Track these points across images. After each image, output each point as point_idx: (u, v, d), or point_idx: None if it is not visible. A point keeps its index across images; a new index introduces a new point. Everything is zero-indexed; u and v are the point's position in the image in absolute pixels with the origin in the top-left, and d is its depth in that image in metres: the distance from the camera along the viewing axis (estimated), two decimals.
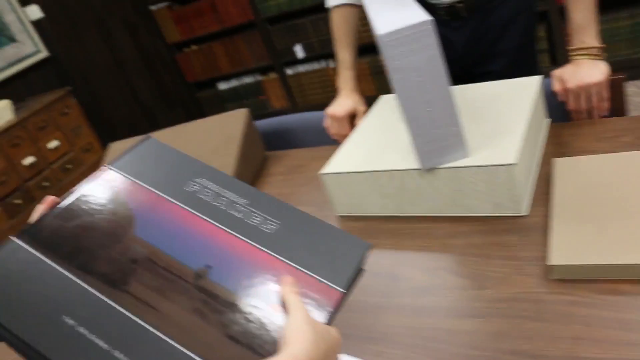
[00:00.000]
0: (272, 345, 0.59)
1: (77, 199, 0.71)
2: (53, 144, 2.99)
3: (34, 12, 3.26)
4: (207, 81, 3.79)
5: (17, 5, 3.18)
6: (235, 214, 0.71)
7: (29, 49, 3.24)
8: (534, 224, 0.99)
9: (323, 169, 1.16)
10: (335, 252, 0.69)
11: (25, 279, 0.62)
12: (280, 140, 1.69)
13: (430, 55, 0.94)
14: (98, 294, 0.61)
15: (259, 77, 3.62)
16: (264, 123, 1.77)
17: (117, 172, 0.75)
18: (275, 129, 1.74)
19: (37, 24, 3.27)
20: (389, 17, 0.98)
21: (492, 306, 0.88)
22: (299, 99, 3.52)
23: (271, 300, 0.63)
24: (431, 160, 1.02)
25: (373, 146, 1.18)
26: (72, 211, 0.70)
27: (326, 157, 1.33)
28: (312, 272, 0.66)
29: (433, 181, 1.05)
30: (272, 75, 3.55)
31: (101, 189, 0.73)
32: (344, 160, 1.17)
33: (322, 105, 1.62)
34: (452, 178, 1.03)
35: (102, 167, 0.76)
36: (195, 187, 0.74)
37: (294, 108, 3.53)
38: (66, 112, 3.07)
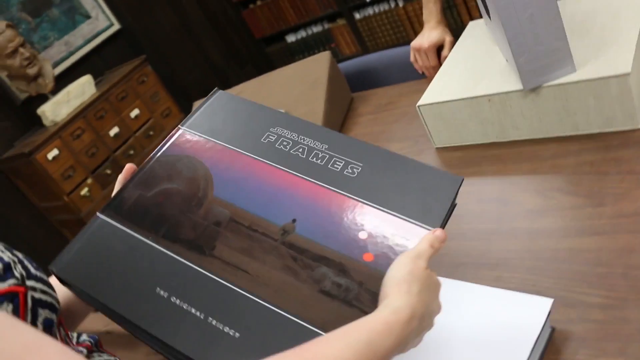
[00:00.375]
0: (370, 298, 0.56)
1: (154, 165, 0.70)
2: (134, 112, 3.09)
3: None
4: (275, 35, 3.77)
5: None
6: (316, 160, 0.68)
7: (103, 24, 3.33)
8: None
9: (420, 100, 1.13)
10: (425, 190, 0.64)
11: (116, 254, 0.63)
12: (364, 81, 1.67)
13: None
14: (187, 262, 0.61)
15: (327, 25, 3.57)
16: (345, 65, 1.75)
17: (190, 132, 0.73)
18: (358, 70, 1.71)
19: None
20: None
21: (615, 222, 0.84)
22: (369, 42, 3.45)
23: (364, 250, 0.60)
24: (535, 79, 0.97)
25: (468, 73, 1.13)
26: (151, 178, 0.69)
27: (414, 92, 1.30)
28: (404, 215, 0.62)
29: (537, 101, 1.00)
30: (341, 22, 3.48)
31: (176, 151, 0.71)
32: (440, 90, 1.13)
33: (394, 47, 1.58)
34: (557, 96, 0.98)
35: (176, 128, 0.75)
36: (271, 137, 0.71)
37: (365, 53, 3.47)
38: (143, 81, 3.15)
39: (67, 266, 0.62)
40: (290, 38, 3.73)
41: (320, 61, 1.51)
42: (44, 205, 2.98)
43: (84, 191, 2.87)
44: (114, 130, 3.00)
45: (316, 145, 0.69)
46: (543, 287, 0.81)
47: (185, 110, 3.26)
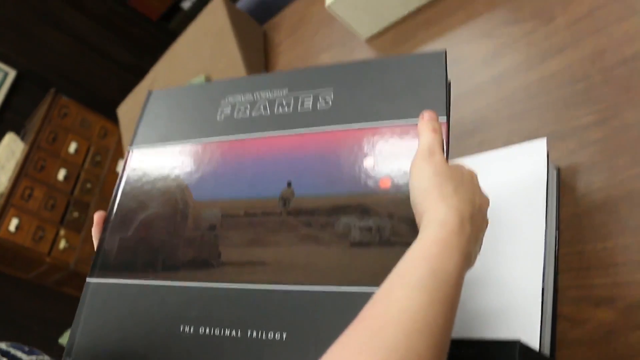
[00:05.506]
0: (407, 226, 0.47)
1: (122, 201, 0.61)
2: (72, 147, 2.93)
3: None
4: (170, 9, 3.58)
5: None
6: (282, 110, 0.59)
7: None
8: None
9: (327, 2, 1.02)
10: (412, 82, 0.54)
11: (124, 312, 0.55)
12: (269, 7, 1.54)
13: None
14: (198, 284, 0.53)
15: None
16: (241, 3, 1.63)
17: (142, 148, 0.65)
18: (255, 2, 1.58)
19: None
20: None
21: (573, 30, 0.76)
22: None
23: (377, 177, 0.51)
24: None
25: None
26: (124, 216, 0.60)
27: None
28: (402, 119, 0.52)
29: None
30: None
31: (136, 175, 0.63)
32: None
33: None
34: None
35: (127, 152, 0.66)
36: (226, 110, 0.62)
37: None
38: (65, 113, 2.98)
39: (81, 350, 0.54)
40: (186, 4, 3.54)
41: (216, 9, 1.39)
42: (32, 275, 2.87)
43: (62, 244, 2.75)
44: (62, 174, 2.86)
45: (275, 94, 0.60)
46: (531, 130, 0.74)
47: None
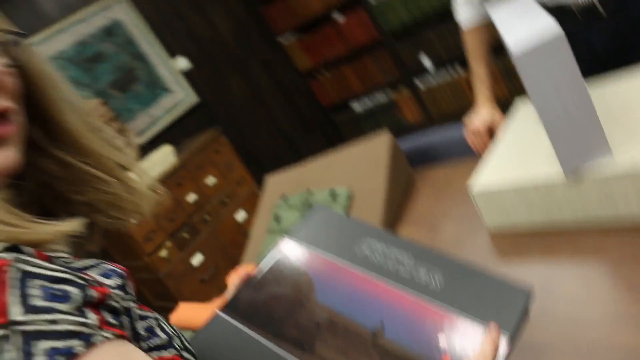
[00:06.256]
0: None
1: (268, 271, 0.83)
2: (210, 180, 3.27)
3: (181, 63, 3.60)
4: (341, 104, 3.91)
5: (166, 57, 3.54)
6: (403, 271, 0.77)
7: (180, 97, 3.59)
8: None
9: (471, 186, 1.21)
10: (498, 298, 0.71)
11: (230, 348, 0.74)
12: (422, 156, 1.75)
13: (565, 66, 0.95)
14: (289, 356, 0.70)
15: (391, 94, 3.67)
16: (405, 141, 1.85)
17: (296, 242, 0.86)
18: (416, 146, 1.80)
19: (186, 73, 3.60)
20: (520, 32, 0.99)
21: None
22: (432, 110, 3.53)
23: (443, 353, 0.67)
24: (573, 163, 1.03)
25: (516, 156, 1.20)
26: (263, 283, 0.81)
27: (470, 170, 1.37)
28: (479, 319, 0.69)
29: (580, 192, 1.05)
30: (404, 91, 3.58)
31: (284, 259, 0.84)
32: (490, 175, 1.20)
33: (456, 114, 1.66)
34: (599, 188, 1.03)
35: (284, 238, 0.88)
36: (364, 248, 0.82)
37: (429, 120, 3.53)
38: (219, 150, 3.35)
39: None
40: (356, 106, 3.85)
41: (381, 142, 1.62)
42: (125, 264, 3.14)
43: (163, 253, 3.04)
44: (192, 197, 3.19)
45: (403, 258, 0.79)
46: None
47: (257, 177, 3.42)
